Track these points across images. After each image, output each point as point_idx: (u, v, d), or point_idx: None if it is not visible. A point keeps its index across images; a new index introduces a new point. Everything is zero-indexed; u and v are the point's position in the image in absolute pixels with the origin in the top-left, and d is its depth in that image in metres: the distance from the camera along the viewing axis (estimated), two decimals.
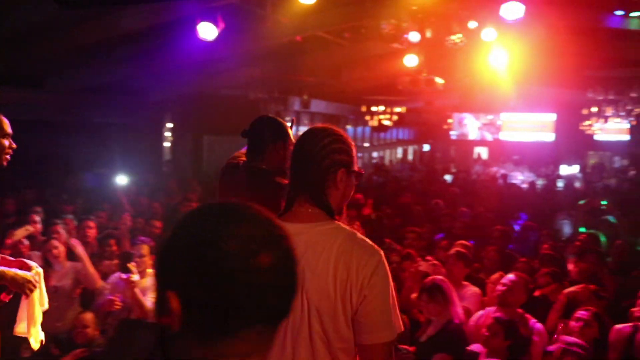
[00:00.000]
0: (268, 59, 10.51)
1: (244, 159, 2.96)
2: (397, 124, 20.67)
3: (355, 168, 1.96)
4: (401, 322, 1.89)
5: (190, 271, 0.94)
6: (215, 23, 6.46)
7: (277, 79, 11.80)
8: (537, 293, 4.48)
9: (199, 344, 0.94)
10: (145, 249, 4.56)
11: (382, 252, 1.86)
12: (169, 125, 13.30)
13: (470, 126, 21.71)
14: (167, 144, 13.54)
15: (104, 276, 4.90)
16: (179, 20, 7.22)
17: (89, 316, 4.37)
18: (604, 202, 8.90)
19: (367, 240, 1.88)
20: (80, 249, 4.75)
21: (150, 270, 4.43)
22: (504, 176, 14.23)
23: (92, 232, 5.86)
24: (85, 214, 6.86)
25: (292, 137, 2.91)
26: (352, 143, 1.97)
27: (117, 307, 4.30)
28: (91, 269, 4.76)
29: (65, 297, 4.68)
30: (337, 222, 1.91)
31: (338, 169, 1.89)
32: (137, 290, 4.15)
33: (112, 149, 9.86)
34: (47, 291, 2.63)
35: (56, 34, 7.67)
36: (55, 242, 4.87)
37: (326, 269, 1.81)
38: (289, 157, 2.47)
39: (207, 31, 6.42)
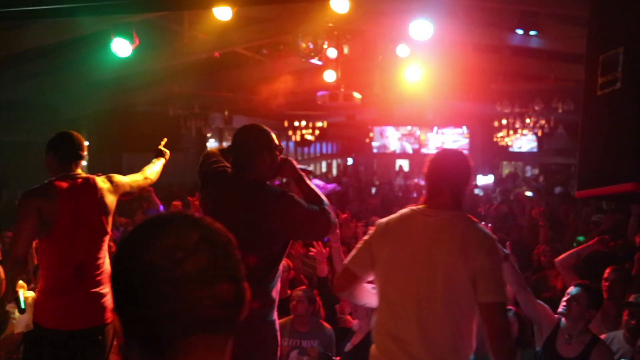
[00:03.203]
0: (187, 75, 10.42)
1: (229, 168, 2.92)
2: (320, 139, 20.91)
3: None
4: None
5: (121, 288, 0.97)
6: (130, 39, 6.36)
7: (197, 95, 11.70)
8: None
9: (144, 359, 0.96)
10: None
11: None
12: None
13: (391, 137, 22.32)
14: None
15: None
16: (93, 35, 7.05)
17: None
18: None
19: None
20: None
21: None
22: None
23: None
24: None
25: (277, 143, 2.92)
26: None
27: None
28: None
29: None
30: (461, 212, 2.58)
31: (469, 185, 2.70)
32: None
33: (24, 168, 9.38)
34: None
35: None
36: None
37: (452, 243, 2.43)
38: (276, 164, 2.90)
39: (121, 47, 6.32)
